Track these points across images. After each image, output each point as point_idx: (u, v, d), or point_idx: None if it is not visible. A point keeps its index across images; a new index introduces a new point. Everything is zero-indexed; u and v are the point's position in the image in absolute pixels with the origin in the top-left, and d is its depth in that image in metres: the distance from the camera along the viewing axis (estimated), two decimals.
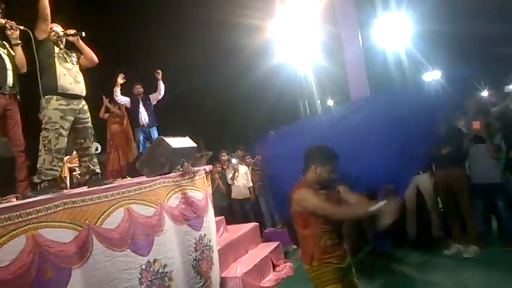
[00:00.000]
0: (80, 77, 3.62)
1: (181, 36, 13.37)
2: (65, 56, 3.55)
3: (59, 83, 3.35)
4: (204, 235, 3.95)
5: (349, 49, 6.97)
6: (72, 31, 3.68)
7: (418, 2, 10.05)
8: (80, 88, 3.56)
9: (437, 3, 10.68)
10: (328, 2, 7.81)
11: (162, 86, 6.81)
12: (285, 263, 5.51)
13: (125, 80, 6.70)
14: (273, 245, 5.66)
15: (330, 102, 18.33)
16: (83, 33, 3.70)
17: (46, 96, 3.30)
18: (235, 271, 4.58)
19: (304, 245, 2.63)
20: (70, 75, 3.48)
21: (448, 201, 4.83)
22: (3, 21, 3.35)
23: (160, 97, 6.88)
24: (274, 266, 5.31)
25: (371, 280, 4.38)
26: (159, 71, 6.78)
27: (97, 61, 3.84)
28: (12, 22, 3.34)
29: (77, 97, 3.53)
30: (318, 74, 10.73)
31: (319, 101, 11.74)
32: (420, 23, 10.33)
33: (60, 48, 3.57)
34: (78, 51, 3.78)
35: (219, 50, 12.90)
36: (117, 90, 6.64)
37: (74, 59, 3.65)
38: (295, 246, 6.14)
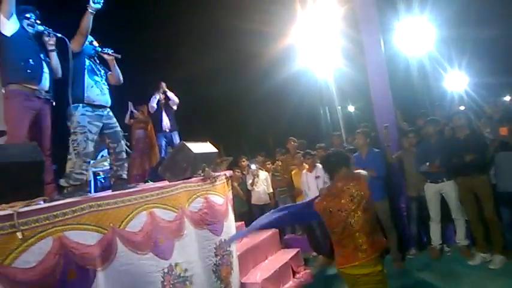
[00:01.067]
0: (106, 89, 3.74)
1: (203, 43, 13.53)
2: (95, 68, 3.68)
3: (86, 94, 3.46)
4: (225, 240, 3.97)
5: (370, 54, 6.91)
6: (111, 50, 3.84)
7: (442, 6, 9.87)
8: (106, 99, 3.68)
9: (461, 7, 10.48)
10: (350, 7, 7.76)
11: (170, 95, 6.94)
12: (305, 270, 5.47)
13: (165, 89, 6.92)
14: (293, 251, 5.63)
15: (351, 108, 18.16)
16: (119, 56, 3.87)
17: (73, 105, 3.41)
18: (255, 277, 4.58)
19: (340, 248, 2.69)
20: (97, 87, 3.60)
21: (472, 209, 4.71)
22: (41, 27, 3.49)
23: (176, 103, 7.00)
24: (294, 273, 5.27)
25: None
26: (162, 84, 6.90)
27: (122, 82, 3.99)
28: (50, 29, 3.48)
29: (102, 106, 3.63)
30: (339, 79, 10.65)
31: (339, 108, 11.63)
32: (444, 27, 10.15)
33: (92, 61, 3.69)
34: (107, 67, 3.91)
35: (240, 56, 12.98)
36: (156, 97, 6.84)
37: (102, 72, 3.77)
38: (315, 254, 6.07)
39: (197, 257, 3.54)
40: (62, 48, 3.54)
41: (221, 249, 3.87)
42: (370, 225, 2.68)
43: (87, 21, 3.39)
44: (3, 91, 3.39)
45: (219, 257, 3.79)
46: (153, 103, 6.90)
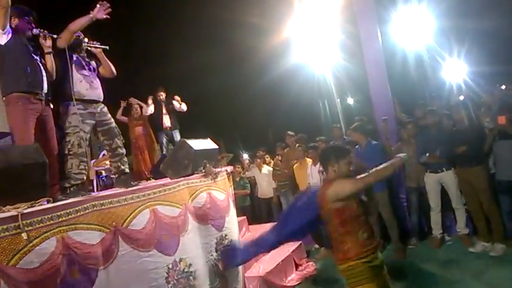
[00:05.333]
0: (97, 83, 3.71)
1: (200, 38, 13.50)
2: (83, 63, 3.66)
3: (75, 89, 3.44)
4: (225, 235, 4.00)
5: (368, 47, 6.92)
6: (97, 43, 3.81)
7: None
8: (97, 94, 3.66)
9: None
10: (347, 0, 7.75)
11: (179, 105, 7.08)
12: (307, 262, 5.52)
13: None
14: (295, 244, 5.66)
15: (350, 101, 18.14)
16: (107, 47, 3.84)
17: (64, 103, 3.41)
18: (257, 270, 4.62)
19: (341, 244, 2.67)
20: (86, 81, 3.57)
21: (472, 198, 4.75)
22: (37, 30, 3.49)
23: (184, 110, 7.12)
24: (296, 266, 5.32)
25: (395, 278, 4.35)
26: (177, 99, 7.04)
27: (115, 73, 3.97)
28: (45, 31, 3.47)
29: (94, 102, 3.62)
30: (338, 73, 10.66)
31: (338, 100, 11.65)
32: (443, 17, 10.12)
33: (78, 55, 3.67)
34: (98, 60, 3.89)
35: (237, 51, 12.96)
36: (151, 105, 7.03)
37: (92, 66, 3.75)
38: (317, 246, 6.14)
39: (200, 252, 3.56)
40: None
41: (221, 244, 3.90)
42: (336, 234, 2.68)
43: (83, 25, 3.39)
44: (4, 99, 3.40)
45: (218, 253, 3.82)
46: (147, 112, 7.03)
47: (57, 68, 3.48)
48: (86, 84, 3.56)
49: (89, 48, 3.80)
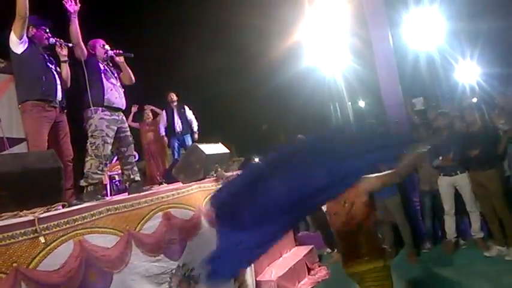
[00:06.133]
0: (122, 92, 3.86)
1: (212, 42, 13.57)
2: (110, 72, 3.77)
3: (106, 97, 3.60)
4: None
5: (379, 49, 6.89)
6: (120, 51, 3.93)
7: None
8: (122, 102, 3.82)
9: None
10: (358, 3, 7.74)
11: (191, 118, 7.15)
12: (319, 266, 5.49)
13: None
14: (307, 248, 5.66)
15: (362, 104, 18.05)
16: (132, 55, 3.97)
17: (92, 108, 3.51)
18: (270, 275, 4.62)
19: (371, 239, 2.63)
20: (116, 90, 3.71)
21: (485, 202, 4.68)
22: (53, 40, 3.59)
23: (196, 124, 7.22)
24: (309, 270, 5.30)
25: (409, 283, 4.31)
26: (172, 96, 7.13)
27: (134, 81, 4.07)
28: (61, 40, 3.57)
29: (118, 109, 3.73)
30: (348, 76, 10.63)
31: (349, 103, 11.62)
32: (454, 18, 10.01)
33: (106, 65, 3.78)
34: (118, 68, 3.99)
35: (248, 55, 12.99)
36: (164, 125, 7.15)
37: (115, 74, 3.85)
38: (329, 250, 6.11)
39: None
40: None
41: None
42: (362, 231, 2.64)
43: (75, 30, 3.51)
44: (20, 106, 3.49)
45: None
46: (162, 130, 7.13)
47: (86, 75, 3.59)
48: (116, 93, 3.72)
49: (113, 55, 3.89)
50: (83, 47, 3.66)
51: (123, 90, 3.90)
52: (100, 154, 3.46)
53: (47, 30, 3.66)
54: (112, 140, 3.63)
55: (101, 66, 3.72)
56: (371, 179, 2.59)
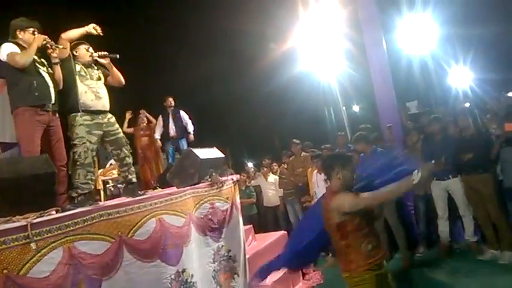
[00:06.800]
0: (103, 92, 3.73)
1: (207, 47, 13.60)
2: (86, 73, 3.68)
3: (80, 101, 3.47)
4: (222, 246, 3.96)
5: (373, 54, 6.95)
6: (104, 52, 3.84)
7: (445, 3, 9.84)
8: (102, 103, 3.68)
9: (464, 3, 10.44)
10: (352, 8, 7.80)
11: (186, 121, 7.13)
12: (314, 271, 5.49)
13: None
14: None
15: (356, 108, 18.13)
16: (117, 56, 3.85)
17: (71, 114, 3.46)
18: (264, 279, 4.61)
19: (345, 255, 2.63)
20: (91, 92, 3.60)
21: (479, 206, 4.71)
22: (43, 40, 3.53)
23: (192, 130, 7.17)
24: (303, 275, 5.30)
25: (403, 287, 4.31)
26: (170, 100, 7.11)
27: (124, 82, 4.00)
28: (52, 42, 3.52)
29: (100, 112, 3.66)
30: (343, 80, 10.69)
31: (344, 108, 11.67)
32: (447, 24, 10.12)
33: (82, 66, 3.69)
34: (105, 68, 3.92)
35: (243, 60, 13.02)
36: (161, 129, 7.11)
37: (95, 75, 3.76)
38: (323, 253, 6.10)
39: (198, 263, 3.53)
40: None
41: (218, 255, 3.87)
42: (339, 246, 2.66)
43: (75, 35, 3.50)
44: (12, 112, 3.46)
45: (216, 263, 3.80)
46: (158, 135, 7.09)
47: (63, 79, 3.54)
48: (91, 95, 3.59)
49: (97, 58, 3.82)
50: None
51: (105, 91, 3.76)
52: (84, 162, 3.40)
53: (35, 32, 3.56)
54: (95, 146, 3.56)
55: (77, 67, 3.62)
56: (348, 198, 2.55)
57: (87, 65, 3.74)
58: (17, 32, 3.50)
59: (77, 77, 3.56)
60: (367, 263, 2.54)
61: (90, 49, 3.78)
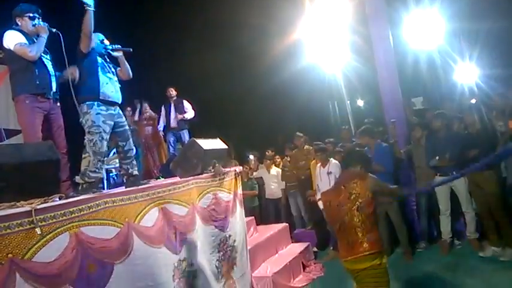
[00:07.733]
0: (118, 87, 3.80)
1: (211, 40, 13.53)
2: (107, 66, 3.73)
3: (101, 91, 3.52)
4: (229, 236, 4.02)
5: (379, 48, 6.89)
6: (119, 46, 3.88)
7: None
8: (118, 96, 3.75)
9: None
10: (359, 2, 7.73)
11: (187, 107, 7.10)
12: (315, 263, 5.52)
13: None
14: (303, 245, 5.68)
15: (360, 103, 18.04)
16: (131, 50, 3.90)
17: (88, 102, 3.48)
18: (265, 271, 4.65)
19: (370, 232, 2.73)
20: (112, 84, 3.66)
21: (481, 203, 4.70)
22: (44, 26, 3.52)
23: (191, 116, 7.11)
24: (304, 267, 5.33)
25: (404, 282, 4.33)
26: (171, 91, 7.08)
27: (131, 76, 4.03)
28: (50, 27, 3.52)
29: (115, 104, 3.70)
30: (348, 74, 10.62)
31: (348, 102, 11.61)
32: (455, 19, 10.00)
33: (103, 59, 3.74)
34: (116, 63, 3.96)
35: (248, 53, 12.95)
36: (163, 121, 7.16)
37: (112, 68, 3.82)
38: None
39: (202, 252, 3.57)
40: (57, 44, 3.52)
41: (225, 244, 3.92)
42: (366, 224, 2.71)
43: (88, 20, 3.42)
44: (14, 99, 3.47)
45: (221, 253, 3.85)
46: (161, 126, 7.12)
47: (83, 69, 3.56)
48: (111, 87, 3.65)
49: (111, 51, 3.85)
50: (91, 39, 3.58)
51: (119, 86, 3.84)
52: (98, 151, 3.43)
53: (34, 17, 3.54)
54: (108, 136, 3.60)
55: (99, 59, 3.68)
56: (378, 180, 2.85)
57: (105, 59, 3.78)
58: (17, 19, 3.51)
59: (99, 68, 3.60)
60: (381, 246, 2.78)
61: (105, 41, 3.81)
